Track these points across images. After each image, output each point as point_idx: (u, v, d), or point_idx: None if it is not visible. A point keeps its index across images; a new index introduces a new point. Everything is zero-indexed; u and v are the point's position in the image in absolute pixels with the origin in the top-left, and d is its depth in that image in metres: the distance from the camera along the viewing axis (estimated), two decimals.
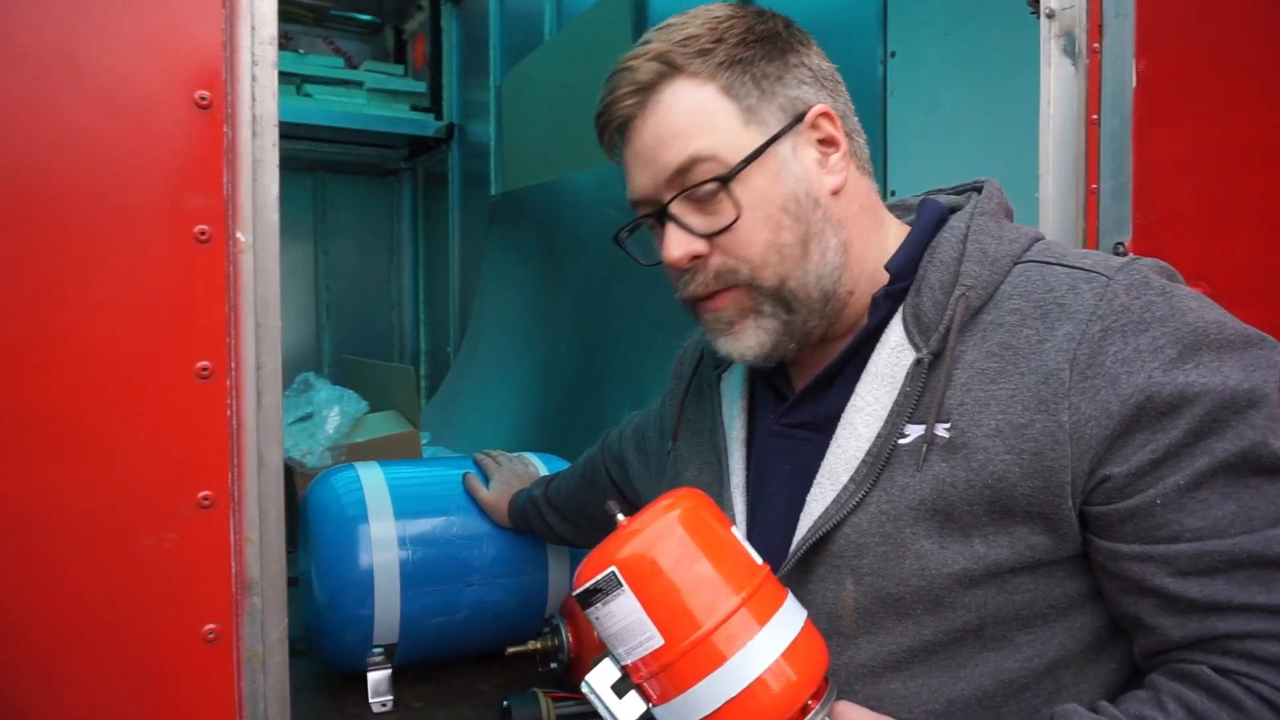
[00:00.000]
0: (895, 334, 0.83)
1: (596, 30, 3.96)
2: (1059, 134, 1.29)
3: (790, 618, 0.73)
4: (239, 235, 0.69)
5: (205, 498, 0.70)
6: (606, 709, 0.70)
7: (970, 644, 0.78)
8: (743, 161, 0.83)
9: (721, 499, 0.94)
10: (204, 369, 0.70)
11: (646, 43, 0.89)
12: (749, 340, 0.87)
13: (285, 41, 6.40)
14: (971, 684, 0.77)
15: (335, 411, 2.78)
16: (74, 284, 0.65)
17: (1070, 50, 1.27)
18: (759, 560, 0.76)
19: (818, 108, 0.87)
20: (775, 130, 0.85)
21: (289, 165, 5.51)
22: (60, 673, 0.66)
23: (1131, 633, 0.78)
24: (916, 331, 0.82)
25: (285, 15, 6.38)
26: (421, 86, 6.01)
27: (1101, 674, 0.80)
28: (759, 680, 0.67)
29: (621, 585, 0.69)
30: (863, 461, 0.81)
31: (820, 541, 0.81)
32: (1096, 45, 1.23)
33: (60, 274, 0.65)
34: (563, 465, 2.17)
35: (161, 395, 0.68)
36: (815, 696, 0.72)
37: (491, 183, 5.23)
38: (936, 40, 2.41)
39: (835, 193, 0.87)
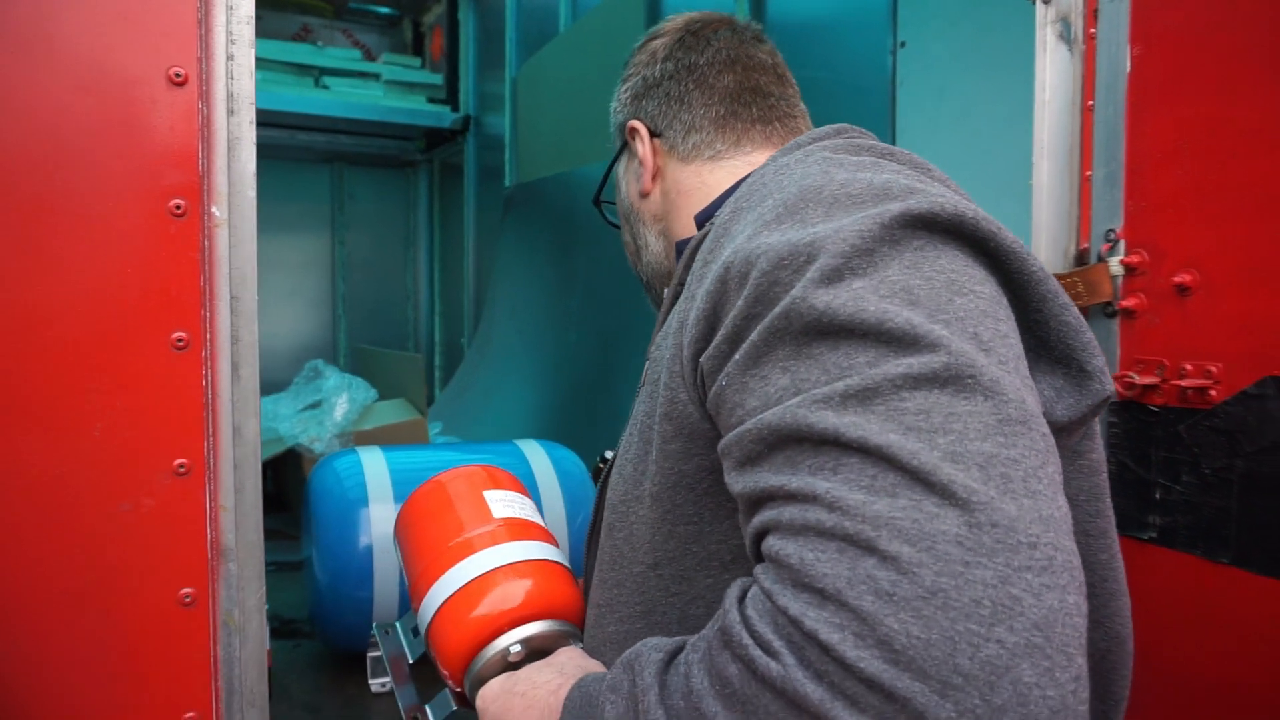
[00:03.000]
0: None
1: (610, 23, 3.96)
2: (1054, 121, 1.28)
3: (497, 556, 0.78)
4: (214, 210, 0.71)
5: (181, 465, 0.72)
6: (404, 645, 0.88)
7: (656, 586, 0.70)
8: (596, 191, 1.02)
9: None
10: (179, 340, 0.71)
11: None
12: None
13: (305, 34, 6.46)
14: (665, 632, 0.69)
15: (344, 399, 2.80)
16: (49, 256, 0.67)
17: (1066, 36, 1.26)
18: (499, 514, 0.84)
19: (627, 127, 0.94)
20: (614, 157, 0.99)
21: (307, 157, 5.53)
22: (37, 634, 0.68)
23: None
24: None
25: (305, 8, 6.45)
26: (438, 79, 6.04)
27: None
28: (449, 601, 0.76)
29: (395, 545, 0.88)
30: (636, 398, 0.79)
31: (606, 480, 0.82)
32: (1092, 30, 1.23)
33: (36, 247, 0.67)
34: (564, 452, 2.18)
35: (137, 365, 0.70)
36: (514, 626, 0.75)
37: (506, 174, 5.26)
38: (946, 29, 2.40)
39: (644, 195, 0.94)
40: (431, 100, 5.98)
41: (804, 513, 0.50)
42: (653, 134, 0.93)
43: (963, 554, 0.45)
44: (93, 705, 0.69)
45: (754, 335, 0.56)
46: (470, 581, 0.76)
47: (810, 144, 0.76)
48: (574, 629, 0.78)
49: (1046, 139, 1.29)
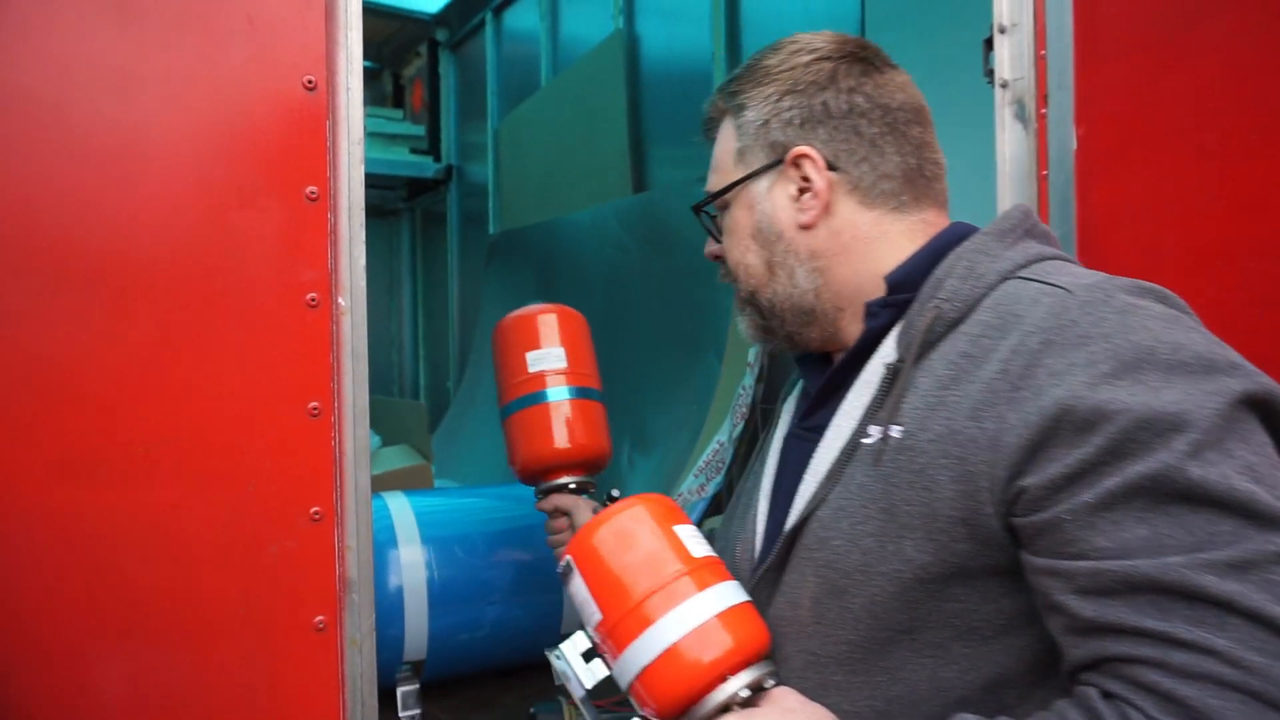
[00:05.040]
0: (889, 344, 0.86)
1: (591, 76, 4.17)
2: (1014, 187, 1.47)
3: (713, 600, 0.80)
4: (340, 300, 0.86)
5: (316, 513, 0.86)
6: (573, 673, 0.85)
7: (906, 647, 0.78)
8: (711, 196, 0.97)
9: (751, 501, 0.99)
10: (314, 408, 0.86)
11: (745, 62, 0.98)
12: (742, 326, 1.00)
13: None
14: (909, 686, 0.78)
15: None
16: (212, 343, 0.81)
17: (1021, 115, 1.46)
18: (697, 552, 0.84)
19: (795, 150, 0.90)
20: (751, 170, 0.93)
21: None
22: (200, 651, 0.81)
23: None
24: (904, 341, 0.84)
25: None
26: (420, 130, 6.21)
27: (1049, 699, 0.76)
28: (672, 648, 0.77)
29: (574, 570, 0.84)
30: (833, 460, 0.84)
31: (795, 534, 0.85)
32: (1043, 111, 1.42)
33: (200, 336, 0.82)
34: None
35: (281, 430, 0.84)
36: (737, 671, 0.78)
37: (490, 222, 5.42)
38: None
39: (805, 227, 0.91)
40: (414, 151, 6.15)
41: (1199, 662, 0.62)
42: (828, 166, 0.90)
43: None
44: (244, 717, 0.82)
45: (1110, 483, 0.66)
46: (696, 629, 0.77)
47: (1041, 257, 0.84)
48: (774, 666, 0.82)
49: (1008, 203, 1.48)
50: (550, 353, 1.49)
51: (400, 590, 1.91)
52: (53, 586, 0.75)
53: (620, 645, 0.80)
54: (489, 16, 5.34)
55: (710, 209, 0.99)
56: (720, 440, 2.92)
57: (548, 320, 1.55)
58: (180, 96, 0.79)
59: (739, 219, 0.95)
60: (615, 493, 2.47)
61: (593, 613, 0.83)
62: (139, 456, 0.78)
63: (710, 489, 2.89)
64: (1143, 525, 0.66)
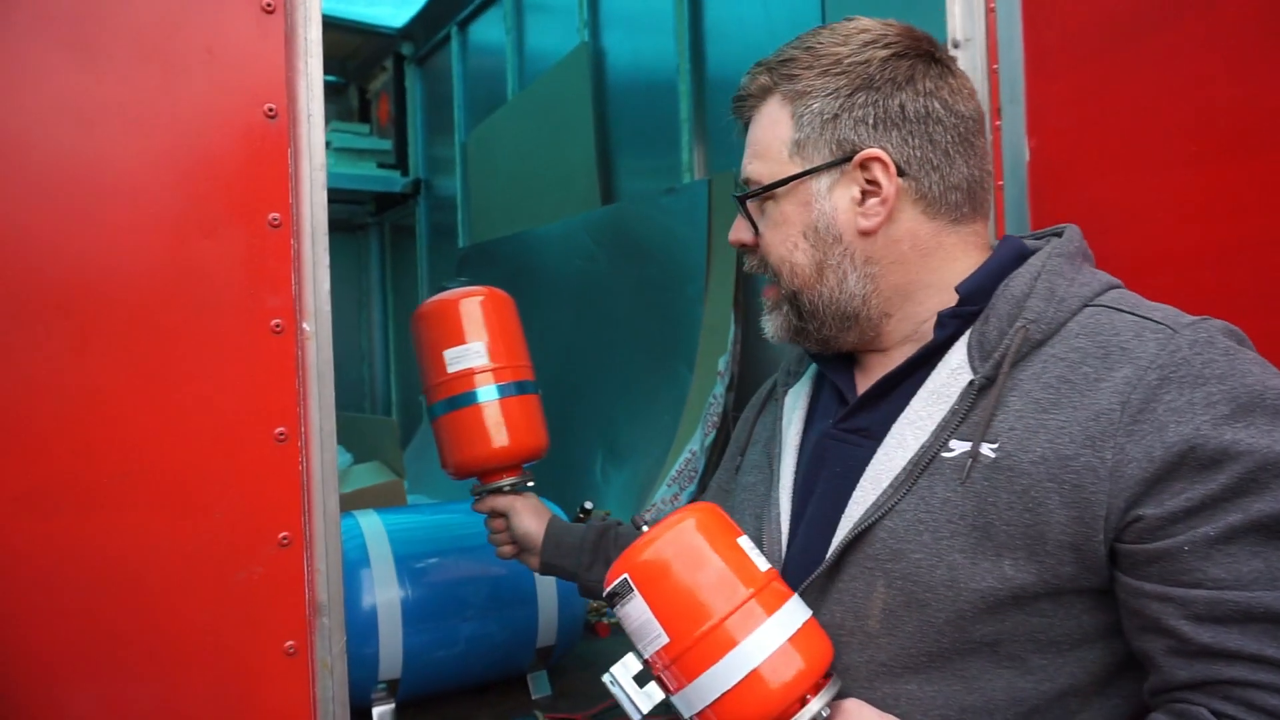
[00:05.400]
0: (958, 356, 0.85)
1: (558, 88, 4.18)
2: None
3: (788, 618, 0.77)
4: (305, 326, 0.86)
5: (284, 538, 0.86)
6: (628, 698, 0.78)
7: (986, 657, 0.79)
8: (762, 188, 0.91)
9: (768, 499, 0.96)
10: (280, 434, 0.86)
11: (799, 41, 0.92)
12: (771, 325, 0.96)
13: None
14: (984, 696, 0.79)
15: None
16: (179, 371, 0.82)
17: None
18: (762, 566, 0.81)
19: (865, 152, 0.86)
20: (812, 165, 0.89)
21: None
22: (170, 679, 0.81)
23: (1146, 669, 0.79)
24: (978, 356, 0.83)
25: None
26: (387, 144, 6.18)
27: (1108, 707, 0.81)
28: (754, 673, 0.74)
29: (633, 589, 0.78)
30: (904, 469, 0.83)
31: (856, 542, 0.83)
32: (997, 124, 1.46)
33: (168, 364, 0.82)
34: (547, 503, 2.32)
35: (249, 455, 0.85)
36: (815, 690, 0.76)
37: (459, 235, 5.41)
38: None
39: (866, 233, 0.88)
40: (381, 165, 6.12)
41: None
42: (897, 172, 0.87)
43: None
44: None
45: (1233, 519, 0.71)
46: (777, 651, 0.75)
47: (1110, 285, 0.86)
48: (840, 680, 0.81)
49: None
50: (471, 349, 1.37)
51: (374, 609, 1.90)
52: (20, 617, 0.75)
53: (691, 671, 0.75)
54: (454, 30, 5.34)
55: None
56: (692, 449, 2.94)
57: (469, 308, 1.43)
58: (141, 127, 0.80)
59: (789, 214, 0.90)
60: (589, 505, 2.48)
61: (656, 636, 0.77)
62: (105, 485, 0.78)
63: (684, 498, 2.91)
64: (1257, 559, 0.71)
